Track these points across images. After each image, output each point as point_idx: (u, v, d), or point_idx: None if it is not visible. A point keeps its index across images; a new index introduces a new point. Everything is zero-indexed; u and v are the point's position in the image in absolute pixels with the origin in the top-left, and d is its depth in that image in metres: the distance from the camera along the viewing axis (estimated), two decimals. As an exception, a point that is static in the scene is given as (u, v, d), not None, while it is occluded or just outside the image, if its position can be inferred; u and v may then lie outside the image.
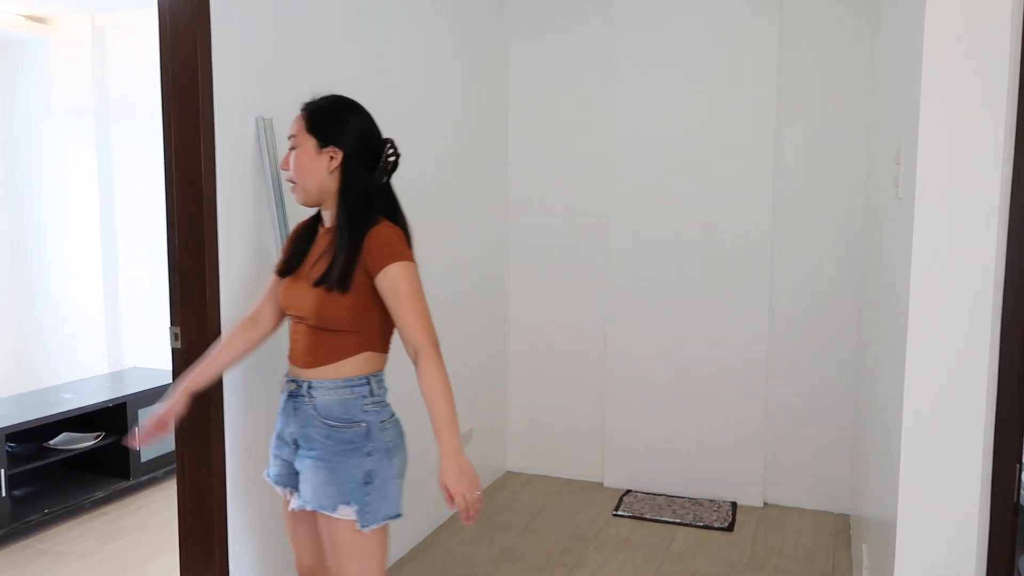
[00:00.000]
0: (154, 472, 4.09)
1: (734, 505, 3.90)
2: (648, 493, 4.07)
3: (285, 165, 1.96)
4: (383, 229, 1.90)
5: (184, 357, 2.30)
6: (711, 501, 3.95)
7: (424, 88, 3.38)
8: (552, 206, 4.22)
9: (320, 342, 1.91)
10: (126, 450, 3.97)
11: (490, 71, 4.04)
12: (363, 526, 1.88)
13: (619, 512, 3.83)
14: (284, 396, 2.00)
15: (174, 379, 2.33)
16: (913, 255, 1.82)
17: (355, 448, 1.90)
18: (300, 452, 1.96)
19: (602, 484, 4.21)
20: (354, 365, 1.92)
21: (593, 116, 4.10)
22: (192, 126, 2.21)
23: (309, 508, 1.92)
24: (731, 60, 3.80)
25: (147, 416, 2.04)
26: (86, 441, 3.90)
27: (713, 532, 3.61)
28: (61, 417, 3.73)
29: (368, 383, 1.93)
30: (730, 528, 3.65)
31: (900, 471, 1.88)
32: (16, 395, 4.10)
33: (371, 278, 1.87)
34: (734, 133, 3.82)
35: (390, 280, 1.86)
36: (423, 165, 3.39)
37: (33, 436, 3.84)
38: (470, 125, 3.84)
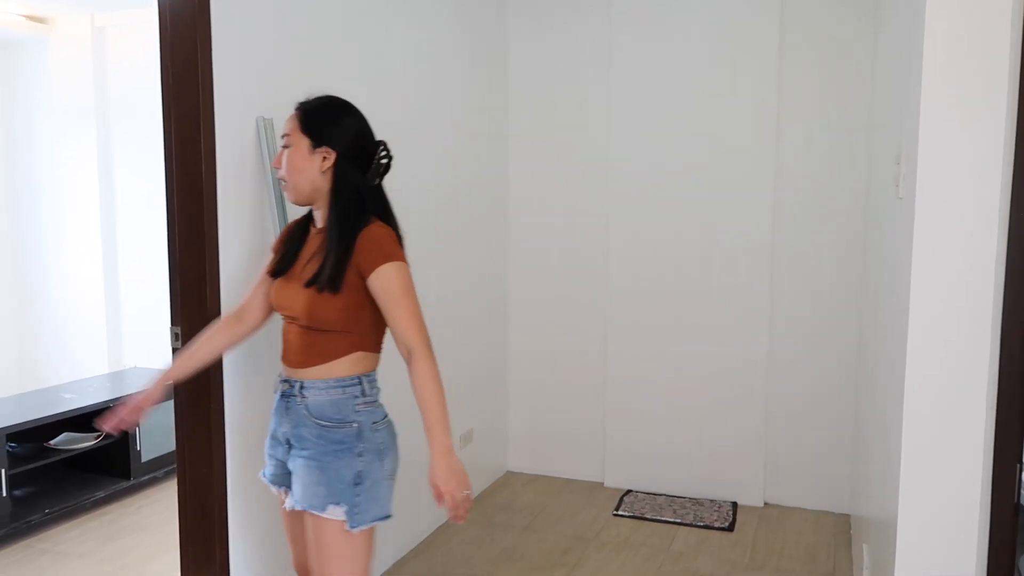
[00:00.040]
0: (155, 472, 4.09)
1: (735, 505, 3.90)
2: (649, 493, 4.07)
3: (278, 163, 1.96)
4: (375, 229, 1.90)
5: (184, 357, 2.30)
6: (712, 501, 3.95)
7: (424, 88, 3.38)
8: (552, 206, 4.22)
9: (312, 342, 1.92)
10: (127, 450, 3.97)
11: (490, 71, 4.04)
12: (352, 527, 1.88)
13: (620, 512, 3.83)
14: (277, 396, 2.00)
15: (175, 379, 2.34)
16: (913, 255, 1.82)
17: (346, 448, 1.90)
18: (293, 452, 1.96)
19: (603, 484, 4.21)
20: (346, 365, 1.92)
21: (593, 116, 4.10)
22: (192, 126, 2.21)
23: (299, 508, 1.93)
24: (731, 60, 3.80)
25: (122, 402, 2.03)
26: (86, 441, 3.91)
27: (714, 532, 3.61)
28: (62, 417, 3.73)
29: (360, 383, 1.94)
30: (731, 528, 3.65)
31: (900, 471, 1.88)
32: (17, 395, 4.10)
33: (363, 278, 1.87)
34: (734, 133, 3.82)
35: (383, 280, 1.86)
36: (423, 165, 3.39)
37: (34, 436, 3.84)
38: (470, 125, 3.84)
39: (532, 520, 3.75)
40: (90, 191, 5.12)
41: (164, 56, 2.23)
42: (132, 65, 4.99)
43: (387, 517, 1.96)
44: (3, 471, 3.45)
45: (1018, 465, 1.80)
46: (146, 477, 4.05)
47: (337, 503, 1.88)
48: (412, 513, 3.38)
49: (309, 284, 1.88)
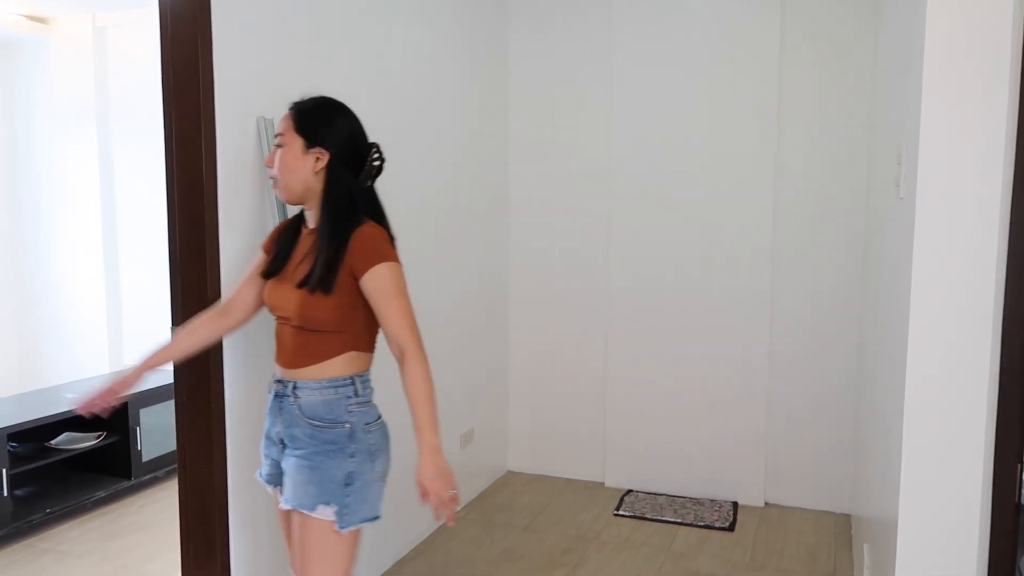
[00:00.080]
0: (155, 472, 4.09)
1: (735, 505, 3.90)
2: (649, 493, 4.07)
3: (270, 163, 1.96)
4: (368, 230, 1.91)
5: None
6: (712, 501, 3.95)
7: (424, 88, 3.38)
8: (553, 206, 4.22)
9: (304, 342, 1.92)
10: (127, 450, 3.97)
11: (490, 71, 4.04)
12: (341, 527, 1.89)
13: (620, 512, 3.83)
14: (271, 396, 2.01)
15: (175, 379, 2.34)
16: (914, 255, 1.82)
17: (338, 449, 1.90)
18: (286, 451, 1.97)
19: (603, 484, 4.21)
20: (339, 365, 1.93)
21: (593, 117, 4.10)
22: (193, 126, 2.21)
23: (289, 507, 1.93)
24: (732, 60, 3.80)
25: (97, 383, 2.03)
26: (87, 441, 3.91)
27: (714, 532, 3.61)
28: (62, 417, 3.73)
29: (353, 383, 1.94)
30: (731, 528, 3.65)
31: (901, 471, 1.88)
32: (18, 395, 4.11)
33: (356, 278, 1.88)
34: (735, 133, 3.82)
35: (377, 281, 1.87)
36: (424, 165, 3.39)
37: (35, 436, 3.85)
38: (471, 125, 3.84)
39: (533, 520, 3.75)
40: (91, 191, 5.12)
41: (165, 56, 2.24)
42: (133, 65, 4.99)
43: (375, 518, 1.96)
44: (4, 471, 3.46)
45: (1019, 465, 1.80)
46: (147, 477, 4.05)
47: (327, 503, 1.88)
48: (413, 513, 3.38)
49: (301, 285, 1.89)
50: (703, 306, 3.94)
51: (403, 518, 3.31)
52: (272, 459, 2.02)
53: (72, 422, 3.93)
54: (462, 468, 3.87)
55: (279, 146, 1.94)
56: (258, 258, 2.08)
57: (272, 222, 2.42)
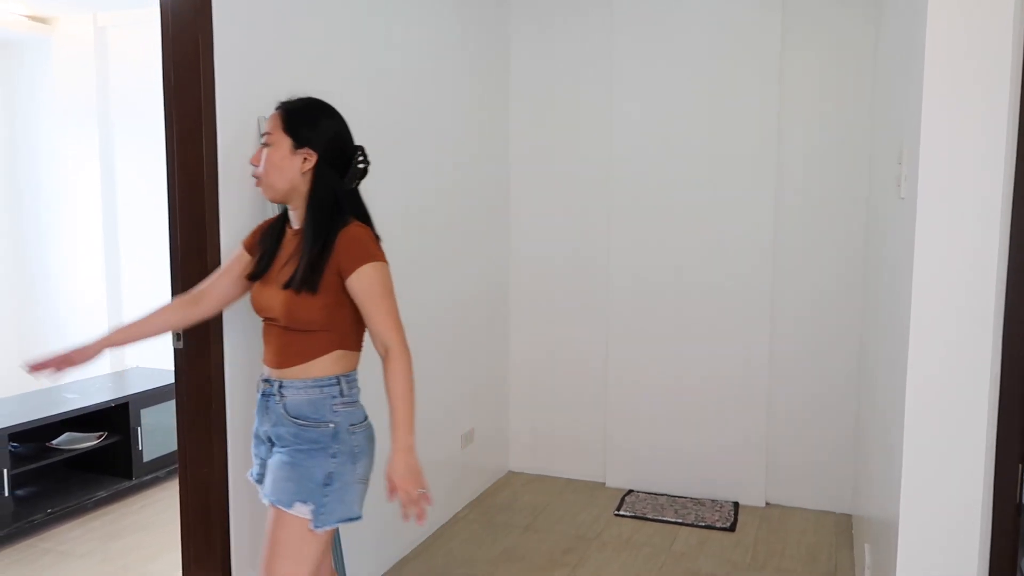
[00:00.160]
0: (156, 472, 4.09)
1: (736, 505, 3.90)
2: (650, 493, 4.07)
3: (256, 161, 1.96)
4: (354, 230, 1.92)
5: (186, 357, 2.30)
6: (713, 501, 3.95)
7: (425, 89, 3.38)
8: (553, 207, 4.22)
9: (290, 342, 1.93)
10: (128, 450, 3.97)
11: (491, 71, 4.04)
12: (316, 526, 1.89)
13: (621, 512, 3.83)
14: (259, 396, 2.02)
15: (176, 379, 2.34)
16: (915, 255, 1.82)
17: (320, 448, 1.91)
18: (274, 449, 1.98)
19: (604, 484, 4.21)
20: (324, 364, 1.93)
21: (594, 117, 4.09)
22: (194, 126, 2.21)
23: (267, 501, 1.94)
24: (732, 60, 3.80)
25: (58, 350, 2.00)
26: (88, 441, 3.91)
27: (715, 532, 3.61)
28: (64, 417, 3.73)
29: (338, 383, 1.94)
30: (732, 528, 3.64)
31: (902, 471, 1.88)
32: (19, 395, 4.11)
33: (342, 278, 1.88)
34: (736, 133, 3.82)
35: (363, 281, 1.88)
36: (424, 165, 3.39)
37: (36, 436, 3.85)
38: (471, 126, 3.84)
39: (533, 520, 3.75)
40: (92, 190, 5.12)
41: (166, 56, 2.24)
42: (134, 65, 4.99)
43: (354, 519, 1.96)
44: (5, 471, 3.46)
45: (1020, 465, 1.80)
46: (148, 477, 4.05)
47: (304, 501, 1.89)
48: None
49: (287, 285, 1.89)
50: (704, 305, 3.94)
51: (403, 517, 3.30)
52: (261, 458, 2.03)
53: (73, 422, 3.94)
54: (463, 468, 3.87)
55: (266, 145, 1.94)
56: (237, 252, 2.09)
57: (273, 222, 2.41)
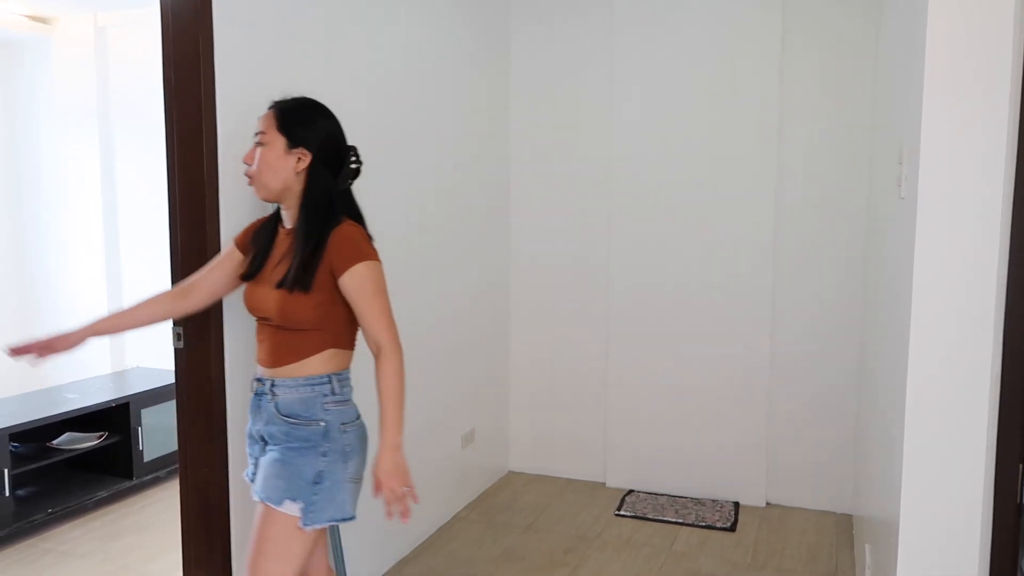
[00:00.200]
0: (157, 472, 4.09)
1: (737, 505, 3.90)
2: (650, 493, 4.07)
3: (249, 159, 1.96)
4: (346, 229, 1.92)
5: (187, 357, 2.30)
6: (713, 501, 3.95)
7: (425, 88, 3.38)
8: (554, 207, 4.22)
9: (283, 341, 1.93)
10: (129, 450, 3.97)
11: (491, 71, 4.04)
12: (305, 524, 1.89)
13: (621, 512, 3.83)
14: (252, 395, 2.02)
15: (176, 379, 2.34)
16: (915, 255, 1.82)
17: (311, 447, 1.91)
18: (267, 448, 1.98)
19: (604, 484, 4.21)
20: (317, 363, 1.94)
21: (594, 117, 4.09)
22: (194, 126, 2.21)
23: (257, 498, 1.94)
24: (733, 60, 3.79)
25: (42, 335, 1.98)
26: (89, 441, 3.91)
27: (715, 532, 3.61)
28: (64, 417, 3.73)
29: (330, 381, 1.95)
30: (733, 528, 3.64)
31: (903, 471, 1.88)
32: (19, 395, 4.11)
33: (335, 277, 1.89)
34: (736, 133, 3.82)
35: (356, 280, 1.88)
36: (425, 166, 3.39)
37: (36, 436, 3.85)
38: (472, 126, 3.84)
39: (534, 520, 3.75)
40: (92, 191, 5.12)
41: (166, 56, 2.24)
42: (134, 65, 4.99)
43: (346, 519, 1.96)
44: (6, 471, 3.46)
45: (1020, 465, 1.80)
46: (148, 477, 4.05)
47: (294, 499, 1.89)
48: (413, 513, 3.38)
49: (280, 285, 1.90)
50: (704, 305, 3.94)
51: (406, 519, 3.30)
52: (255, 458, 2.04)
53: (74, 422, 3.94)
54: (463, 468, 3.87)
55: (259, 144, 1.94)
56: (228, 249, 2.09)
57: (273, 222, 2.41)
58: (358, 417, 2.01)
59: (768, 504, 3.94)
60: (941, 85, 1.78)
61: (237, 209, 2.32)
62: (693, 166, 3.91)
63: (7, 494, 3.45)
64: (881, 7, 3.36)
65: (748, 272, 3.86)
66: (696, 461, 4.01)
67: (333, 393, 1.95)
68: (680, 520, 3.72)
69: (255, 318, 2.01)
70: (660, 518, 3.75)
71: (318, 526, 1.91)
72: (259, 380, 1.99)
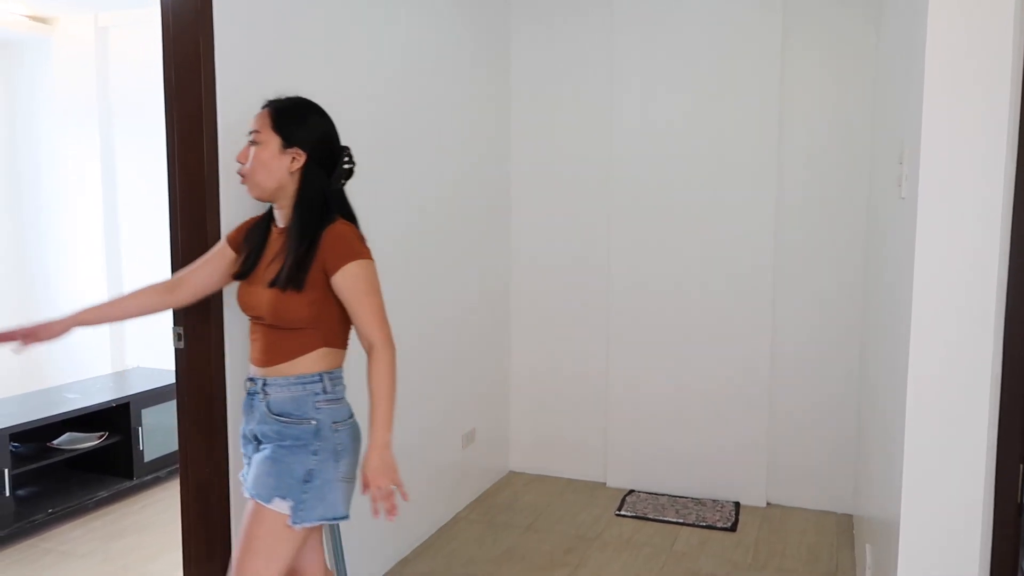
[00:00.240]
0: (157, 472, 4.09)
1: (737, 505, 3.90)
2: (651, 493, 4.07)
3: (243, 158, 1.96)
4: (339, 227, 1.92)
5: (188, 357, 2.30)
6: (714, 501, 3.95)
7: (426, 89, 3.38)
8: (554, 207, 4.22)
9: (275, 340, 1.94)
10: (129, 450, 3.97)
11: (492, 72, 4.04)
12: (294, 522, 1.89)
13: (622, 512, 3.83)
14: (245, 395, 2.02)
15: (177, 379, 2.34)
16: (916, 255, 1.82)
17: (302, 445, 1.91)
18: (260, 447, 1.98)
19: (605, 484, 4.21)
20: (309, 362, 1.94)
21: (595, 118, 4.09)
22: (194, 126, 2.22)
23: (247, 495, 1.94)
24: (734, 60, 3.79)
25: (25, 323, 1.98)
26: (90, 441, 3.91)
27: (716, 532, 3.61)
28: (65, 417, 3.73)
29: (321, 380, 1.95)
30: (733, 528, 3.64)
31: (903, 471, 1.87)
32: (20, 395, 4.11)
33: (328, 275, 1.89)
34: (736, 134, 3.82)
35: (349, 278, 1.88)
36: (425, 166, 3.39)
37: (37, 436, 3.85)
38: (472, 126, 3.84)
39: (534, 520, 3.75)
40: (92, 191, 5.12)
41: (166, 56, 2.24)
42: (134, 65, 4.99)
43: (337, 518, 1.95)
44: (6, 471, 3.46)
45: (1021, 465, 1.80)
46: (149, 477, 4.05)
47: (283, 497, 1.89)
48: (414, 513, 3.38)
49: (273, 284, 1.90)
50: (704, 306, 3.94)
51: (405, 518, 3.31)
52: (249, 457, 2.04)
53: (74, 422, 3.94)
54: (464, 468, 3.87)
55: (253, 143, 1.94)
56: (219, 246, 2.09)
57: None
58: (351, 416, 2.01)
59: (769, 504, 3.94)
60: (942, 85, 1.78)
61: (237, 209, 2.32)
62: (693, 167, 3.90)
63: (7, 494, 3.45)
64: (881, 7, 3.36)
65: (748, 272, 3.86)
66: (697, 461, 4.01)
67: (325, 392, 1.95)
68: (681, 520, 3.71)
69: (248, 317, 2.01)
70: (661, 518, 3.75)
71: (307, 525, 1.91)
72: (251, 380, 1.99)
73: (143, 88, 4.94)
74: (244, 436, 2.04)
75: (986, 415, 1.80)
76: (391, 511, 1.86)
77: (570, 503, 3.96)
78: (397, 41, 3.15)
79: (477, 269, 3.94)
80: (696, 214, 3.92)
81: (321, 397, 1.94)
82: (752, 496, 3.93)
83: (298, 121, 1.94)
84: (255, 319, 1.98)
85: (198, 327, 2.27)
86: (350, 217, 2.01)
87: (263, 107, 1.97)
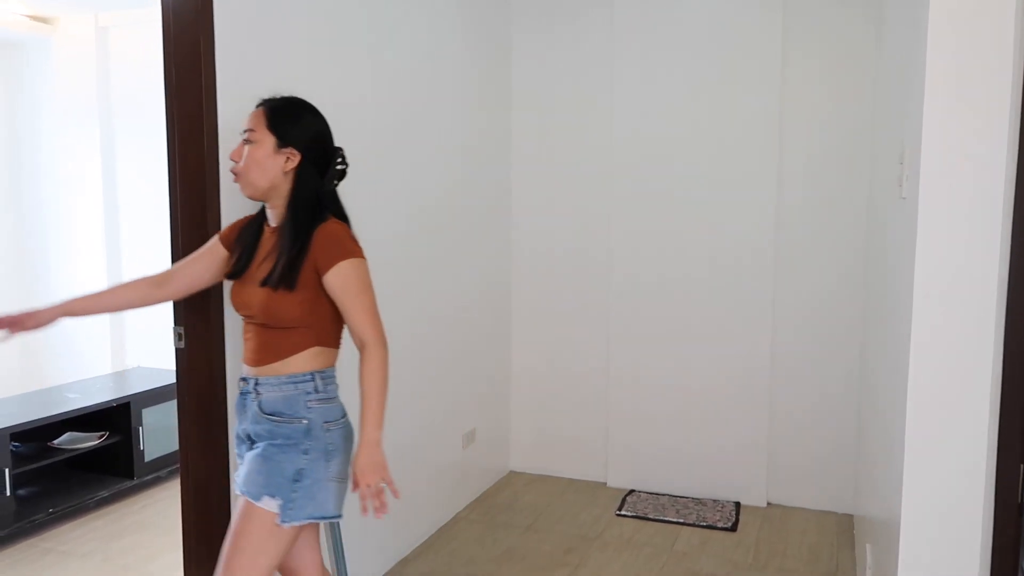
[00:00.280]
0: (158, 472, 4.09)
1: (738, 505, 3.90)
2: (651, 493, 4.07)
3: (237, 156, 1.96)
4: (331, 226, 1.92)
5: (188, 357, 2.30)
6: (715, 501, 3.95)
7: (426, 88, 3.38)
8: (555, 208, 4.22)
9: (268, 340, 1.94)
10: (130, 450, 3.98)
11: (492, 71, 4.04)
12: (283, 521, 1.89)
13: (622, 512, 3.83)
14: (238, 395, 2.02)
15: (177, 379, 2.34)
16: (916, 254, 1.82)
17: (292, 444, 1.91)
18: (253, 447, 1.98)
19: (605, 484, 4.21)
20: (301, 361, 1.94)
21: (595, 117, 4.09)
22: (195, 125, 2.22)
23: (237, 491, 1.95)
24: (734, 60, 3.79)
25: (11, 311, 1.97)
26: (90, 441, 3.91)
27: (717, 532, 3.61)
28: (65, 417, 3.74)
29: (313, 379, 1.95)
30: (734, 528, 3.64)
31: (904, 471, 1.87)
32: (21, 395, 4.11)
33: (320, 274, 1.89)
34: (737, 134, 3.82)
35: (341, 277, 1.89)
36: (426, 165, 3.39)
37: (37, 435, 3.85)
38: (473, 126, 3.84)
39: (535, 520, 3.75)
40: (93, 191, 5.13)
41: (167, 56, 2.24)
42: (135, 65, 5.00)
43: (327, 518, 1.95)
44: (7, 470, 3.46)
45: (1021, 465, 1.80)
46: (149, 477, 4.05)
47: (272, 495, 1.89)
48: (414, 513, 3.38)
49: (265, 283, 1.90)
50: (705, 305, 3.94)
51: (405, 518, 3.31)
52: (243, 457, 2.03)
53: (74, 422, 3.94)
54: (464, 468, 3.87)
55: (248, 141, 1.94)
56: (211, 243, 2.09)
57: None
58: (343, 416, 2.00)
59: (769, 504, 3.93)
60: (943, 84, 1.77)
61: (237, 208, 2.32)
62: (694, 167, 3.90)
63: (8, 494, 3.45)
64: (881, 7, 3.36)
65: (749, 272, 3.85)
66: (697, 461, 4.01)
67: (316, 391, 1.95)
68: (681, 520, 3.71)
69: (241, 316, 2.01)
70: (661, 518, 3.75)
71: (296, 524, 1.90)
72: (244, 379, 2.00)
73: (143, 88, 4.95)
74: (238, 436, 2.04)
75: (986, 415, 1.80)
76: (380, 509, 1.86)
77: (570, 503, 3.96)
78: (398, 41, 3.15)
79: (478, 270, 3.94)
80: (696, 214, 3.92)
81: (313, 396, 1.94)
82: (752, 496, 3.93)
83: (293, 120, 1.94)
84: (248, 318, 1.98)
85: (199, 327, 2.28)
86: (342, 217, 2.01)
87: (257, 106, 1.97)
